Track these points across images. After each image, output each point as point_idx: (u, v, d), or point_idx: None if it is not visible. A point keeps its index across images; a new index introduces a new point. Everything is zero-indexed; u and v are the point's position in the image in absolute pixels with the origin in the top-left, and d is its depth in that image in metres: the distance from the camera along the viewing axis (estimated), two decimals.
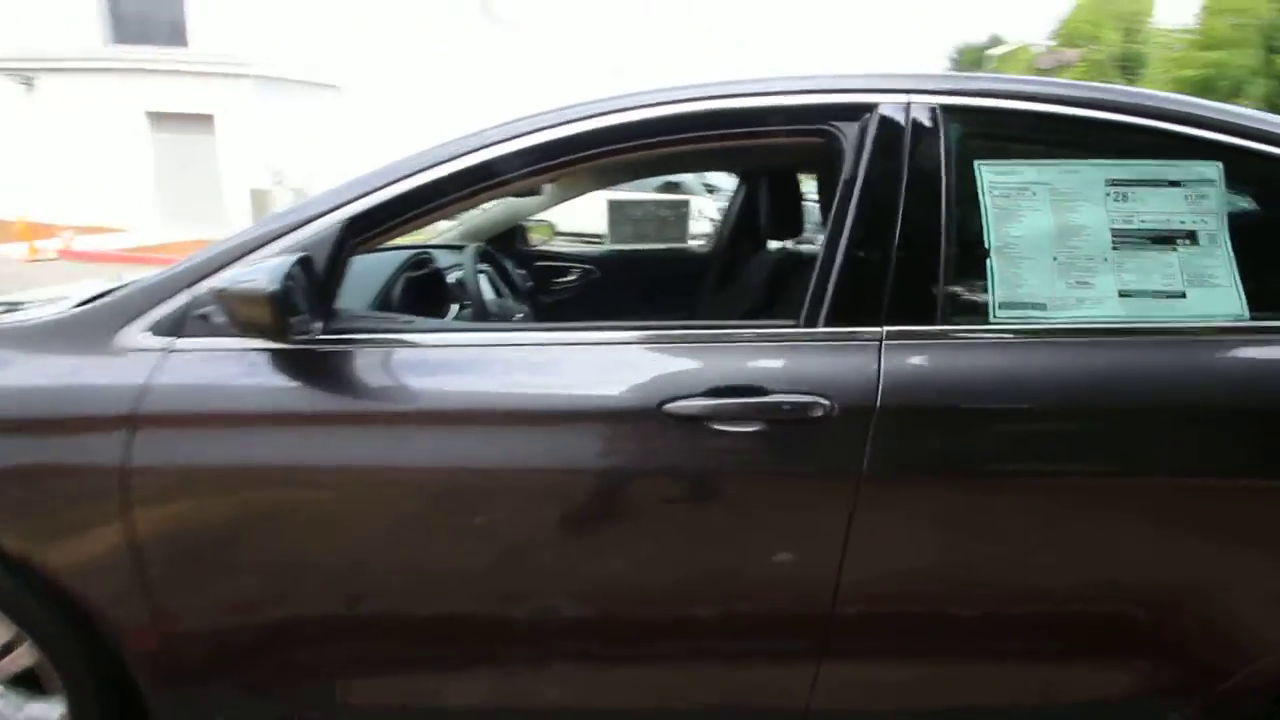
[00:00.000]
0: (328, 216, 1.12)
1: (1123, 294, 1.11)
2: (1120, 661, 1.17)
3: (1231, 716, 1.17)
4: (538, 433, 1.11)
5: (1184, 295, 1.12)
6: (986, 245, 1.11)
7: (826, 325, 1.09)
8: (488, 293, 1.98)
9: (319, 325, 1.05)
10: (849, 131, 1.13)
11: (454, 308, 1.74)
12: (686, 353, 1.14)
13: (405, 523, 1.13)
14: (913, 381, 1.07)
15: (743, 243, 2.64)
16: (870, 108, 1.13)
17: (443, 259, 2.03)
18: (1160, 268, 1.12)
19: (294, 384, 1.08)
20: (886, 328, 1.08)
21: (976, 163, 1.13)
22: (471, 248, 1.73)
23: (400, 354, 1.12)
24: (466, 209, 1.71)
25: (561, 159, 1.19)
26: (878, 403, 1.04)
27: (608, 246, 2.85)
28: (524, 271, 2.68)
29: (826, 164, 1.22)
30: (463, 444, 1.10)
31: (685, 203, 2.62)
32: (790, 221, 2.19)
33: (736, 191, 2.68)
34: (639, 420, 1.06)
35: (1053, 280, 1.10)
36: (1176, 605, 1.13)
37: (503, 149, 1.15)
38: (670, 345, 1.15)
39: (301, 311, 1.01)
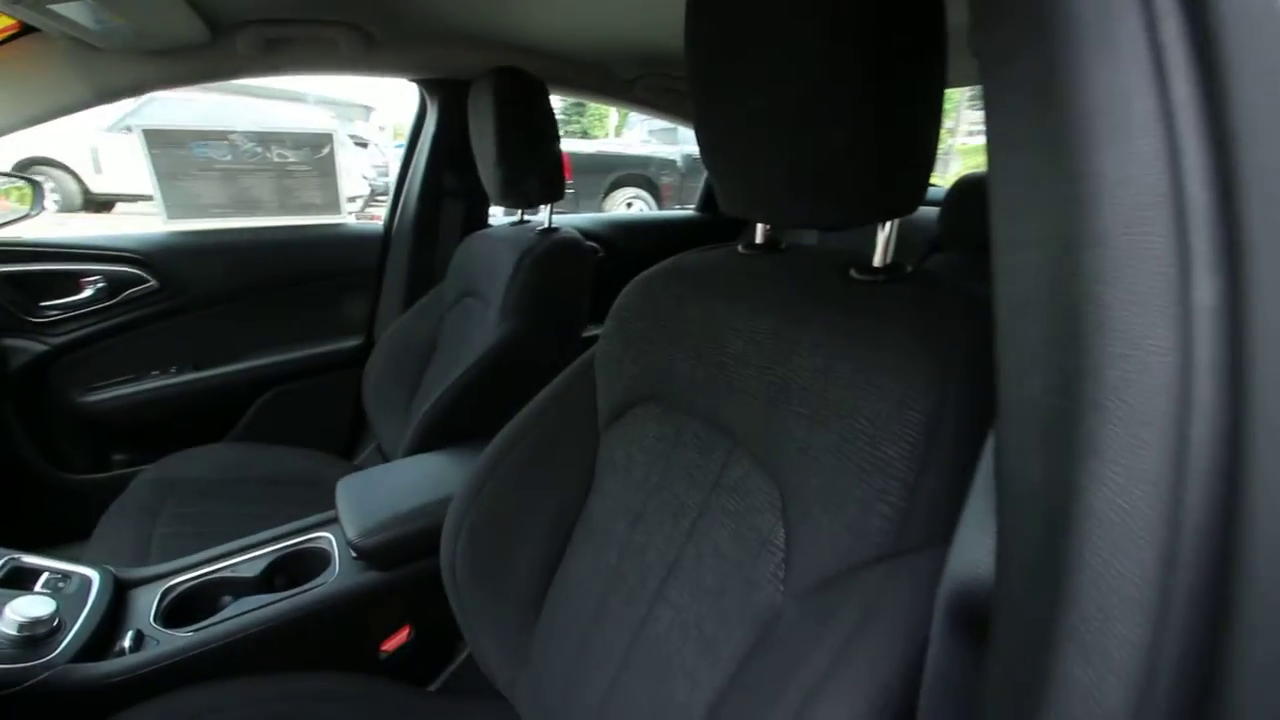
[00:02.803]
0: None
1: None
2: None
3: None
4: None
5: None
6: None
7: None
8: None
9: None
10: None
11: None
12: None
13: None
14: None
15: (449, 215, 1.53)
16: None
17: None
18: None
19: None
20: None
21: None
22: None
23: None
24: None
25: None
26: None
27: (172, 230, 1.44)
28: None
29: None
30: None
31: (328, 137, 1.44)
32: (548, 172, 1.18)
33: (421, 121, 1.53)
34: None
35: None
36: None
37: None
38: None
39: None
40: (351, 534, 0.86)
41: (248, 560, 0.92)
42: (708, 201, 2.25)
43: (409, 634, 0.89)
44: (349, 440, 1.61)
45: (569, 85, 1.51)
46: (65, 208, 5.53)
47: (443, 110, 1.45)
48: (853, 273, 0.57)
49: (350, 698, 0.79)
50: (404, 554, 0.88)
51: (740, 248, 0.71)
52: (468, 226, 1.52)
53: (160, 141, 1.32)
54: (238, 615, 0.83)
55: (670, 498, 0.65)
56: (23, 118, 1.04)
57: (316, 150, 1.46)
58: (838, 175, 0.49)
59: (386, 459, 1.40)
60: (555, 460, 0.77)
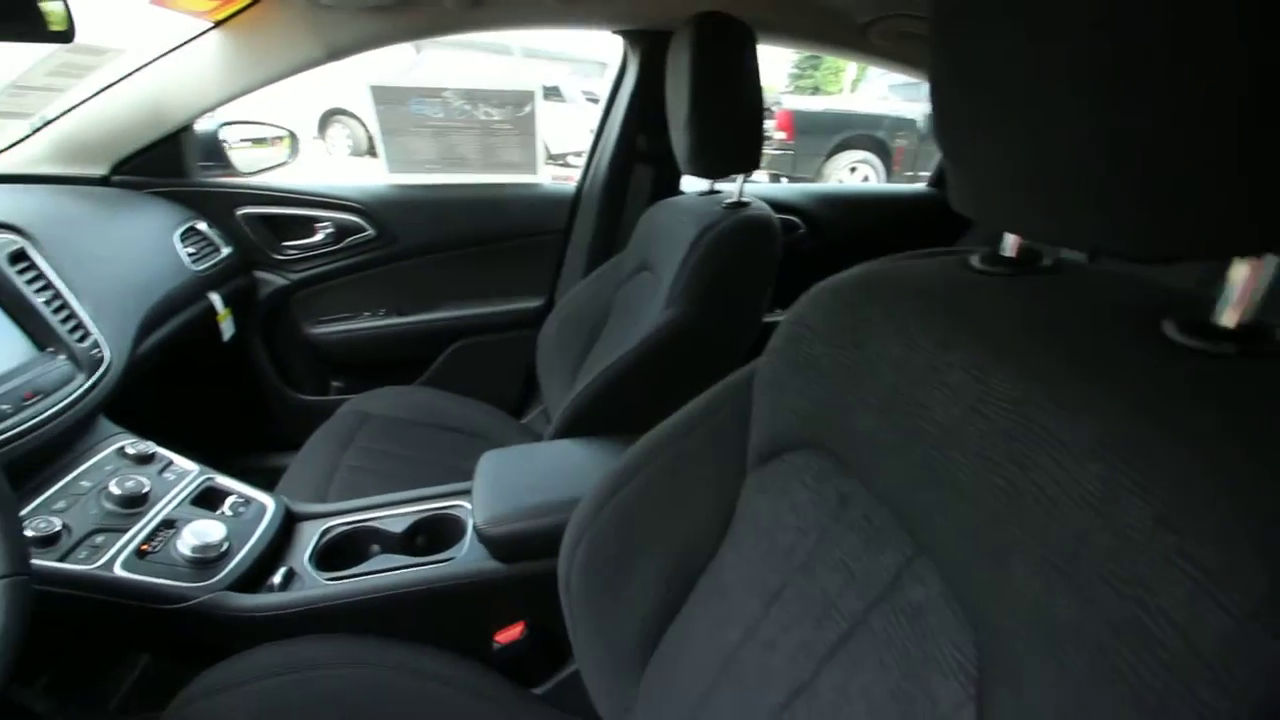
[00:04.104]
0: None
1: None
2: None
3: None
4: None
5: None
6: None
7: None
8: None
9: None
10: None
11: None
12: None
13: None
14: None
15: (640, 180, 1.44)
16: None
17: None
18: None
19: None
20: None
21: None
22: None
23: None
24: None
25: None
26: None
27: (389, 183, 1.54)
28: (216, 232, 1.36)
29: None
30: None
31: (530, 94, 1.47)
32: (743, 137, 1.02)
33: (621, 78, 1.44)
34: None
35: None
36: None
37: None
38: None
39: None
40: (478, 519, 0.83)
41: (395, 516, 0.95)
42: (945, 175, 1.87)
43: (523, 630, 0.84)
44: (521, 398, 1.65)
45: (789, 33, 1.30)
46: (354, 153, 6.57)
47: (642, 65, 1.34)
48: (1169, 329, 0.35)
49: (457, 684, 0.77)
50: (525, 550, 0.83)
51: (975, 260, 0.50)
52: (656, 193, 1.42)
53: (385, 98, 1.39)
54: (373, 573, 0.84)
55: (816, 590, 0.49)
56: (264, 76, 1.14)
57: (519, 108, 1.45)
58: (1175, 170, 0.28)
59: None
60: (691, 487, 0.64)
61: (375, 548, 0.93)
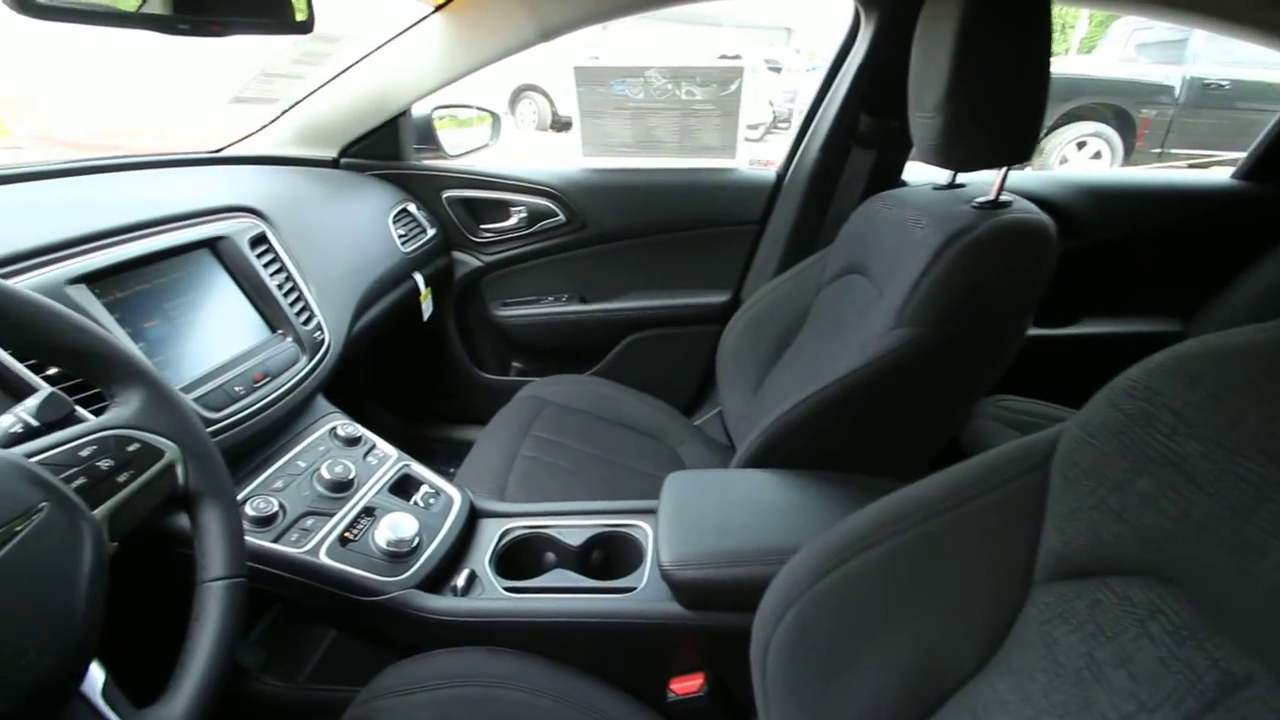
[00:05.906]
0: None
1: None
2: None
3: None
4: None
5: None
6: None
7: None
8: None
9: None
10: None
11: None
12: None
13: None
14: None
15: (855, 167, 1.26)
16: None
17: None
18: None
19: None
20: None
21: None
22: None
23: None
24: None
25: None
26: None
27: (580, 167, 1.49)
28: (424, 214, 1.41)
29: None
30: None
31: (738, 71, 1.33)
32: (1018, 121, 0.82)
33: (847, 49, 1.24)
34: None
35: None
36: None
37: None
38: None
39: None
40: (664, 558, 0.74)
41: (573, 527, 0.90)
42: (1267, 161, 1.43)
43: (702, 685, 0.76)
44: (695, 397, 1.56)
45: None
46: (539, 127, 6.86)
47: (879, 32, 1.14)
48: None
49: None
50: (712, 600, 0.74)
51: None
52: (874, 184, 1.23)
53: (587, 79, 1.34)
54: (552, 592, 0.80)
55: None
56: (479, 60, 1.13)
57: (724, 86, 1.32)
58: None
59: (726, 429, 1.30)
60: (948, 578, 0.50)
61: (551, 557, 0.90)
